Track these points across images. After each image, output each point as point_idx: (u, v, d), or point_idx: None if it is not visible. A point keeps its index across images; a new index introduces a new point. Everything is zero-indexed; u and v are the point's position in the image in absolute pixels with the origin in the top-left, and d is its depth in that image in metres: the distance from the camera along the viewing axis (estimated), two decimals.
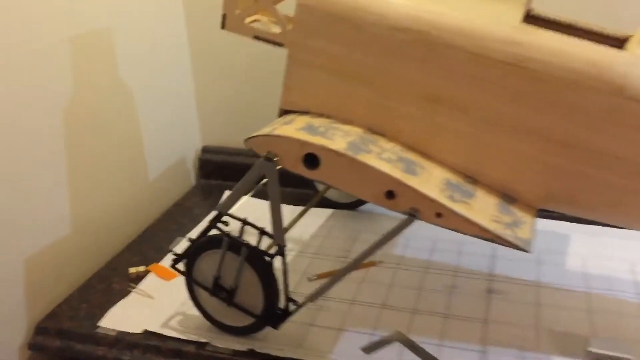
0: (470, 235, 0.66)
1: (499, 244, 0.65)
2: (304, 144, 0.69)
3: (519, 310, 0.83)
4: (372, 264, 0.96)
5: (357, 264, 0.72)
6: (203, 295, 0.81)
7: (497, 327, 0.80)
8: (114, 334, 0.82)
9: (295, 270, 0.95)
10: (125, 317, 0.86)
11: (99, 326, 0.84)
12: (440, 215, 0.67)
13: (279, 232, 0.74)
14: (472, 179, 0.73)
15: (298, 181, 1.20)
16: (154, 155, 1.14)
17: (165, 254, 1.01)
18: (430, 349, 0.77)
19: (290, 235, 1.05)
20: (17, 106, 0.81)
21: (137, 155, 1.10)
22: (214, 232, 0.79)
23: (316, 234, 1.05)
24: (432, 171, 0.71)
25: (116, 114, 1.02)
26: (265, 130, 0.73)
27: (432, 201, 0.66)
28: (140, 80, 1.08)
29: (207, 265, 0.79)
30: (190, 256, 0.79)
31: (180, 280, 0.93)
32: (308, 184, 1.15)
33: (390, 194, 0.68)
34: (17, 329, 0.85)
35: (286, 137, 0.70)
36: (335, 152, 0.68)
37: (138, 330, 0.83)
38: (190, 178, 1.29)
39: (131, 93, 1.05)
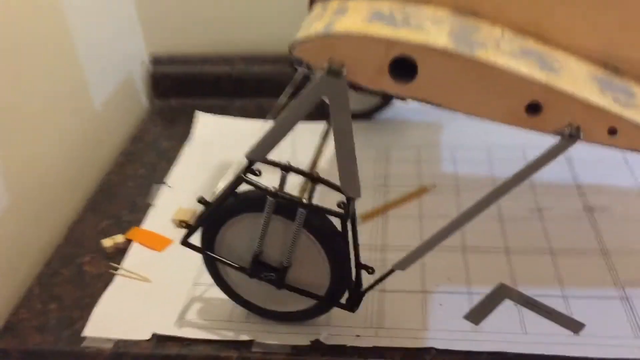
0: None
1: None
2: (390, 43, 0.44)
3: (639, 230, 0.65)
4: (424, 190, 0.74)
5: (466, 219, 0.50)
6: (233, 273, 0.57)
7: (624, 259, 0.62)
8: (109, 346, 0.57)
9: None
10: (118, 315, 0.60)
11: (85, 337, 0.59)
12: (615, 132, 0.45)
13: (351, 180, 0.50)
14: (615, 69, 0.51)
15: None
16: (93, 76, 0.83)
17: (144, 212, 0.74)
18: (553, 304, 0.58)
19: (300, 162, 0.80)
20: None
21: (72, 78, 0.79)
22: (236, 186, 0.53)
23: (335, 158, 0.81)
24: (570, 65, 0.48)
25: (37, 32, 0.70)
26: (318, 28, 0.46)
27: (601, 112, 0.44)
28: None
29: (237, 234, 0.54)
30: (210, 226, 0.54)
31: (180, 246, 0.68)
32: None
33: (533, 108, 0.45)
34: None
35: (361, 35, 0.44)
36: (442, 52, 0.44)
37: (144, 335, 0.58)
38: (140, 100, 0.99)
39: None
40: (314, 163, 0.70)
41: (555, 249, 0.64)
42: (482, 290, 0.60)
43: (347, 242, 0.51)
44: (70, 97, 0.78)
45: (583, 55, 0.50)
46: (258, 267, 0.54)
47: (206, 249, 0.55)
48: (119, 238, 0.69)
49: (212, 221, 0.54)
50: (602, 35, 0.49)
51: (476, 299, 0.59)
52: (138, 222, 0.73)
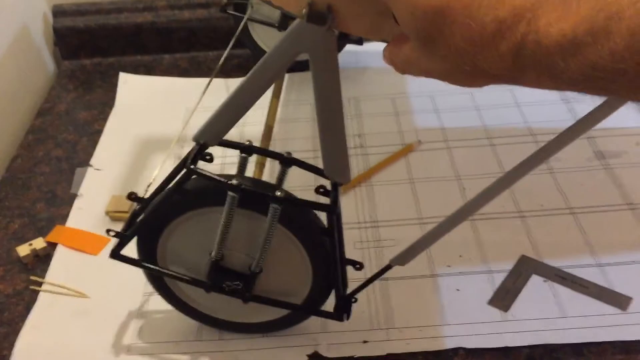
0: None
1: None
2: None
3: None
4: (409, 148, 0.63)
5: (486, 198, 0.38)
6: (185, 286, 0.44)
7: None
8: None
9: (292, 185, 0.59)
10: (49, 347, 0.46)
11: None
12: None
13: (338, 161, 0.37)
14: None
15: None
16: None
17: (67, 205, 0.59)
18: (588, 275, 0.48)
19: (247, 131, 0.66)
20: None
21: None
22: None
23: (287, 118, 0.69)
24: None
25: None
26: None
27: None
28: None
29: (186, 237, 0.41)
30: (149, 231, 0.41)
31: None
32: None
33: None
34: None
35: None
36: None
37: None
38: (44, 62, 0.81)
39: None
40: (267, 134, 0.56)
41: (575, 208, 0.54)
42: (503, 267, 0.50)
43: (335, 239, 0.39)
44: None
45: None
46: (218, 277, 0.41)
47: (145, 260, 0.42)
48: (38, 242, 0.54)
49: (151, 225, 0.40)
50: None
51: (498, 278, 0.49)
52: (61, 219, 0.57)
